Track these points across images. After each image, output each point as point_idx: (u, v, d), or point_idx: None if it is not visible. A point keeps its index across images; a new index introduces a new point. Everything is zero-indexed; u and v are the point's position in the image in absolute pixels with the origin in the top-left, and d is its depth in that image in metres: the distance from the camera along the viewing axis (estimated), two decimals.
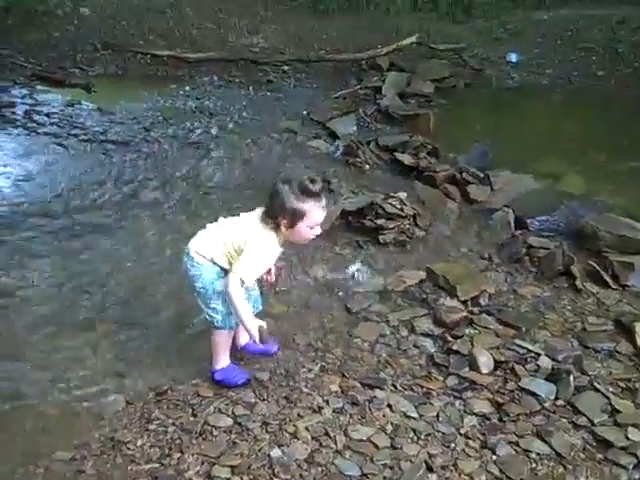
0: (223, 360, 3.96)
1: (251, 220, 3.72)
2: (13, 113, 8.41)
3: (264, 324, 3.62)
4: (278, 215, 3.60)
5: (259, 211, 3.72)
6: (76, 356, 4.16)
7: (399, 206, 5.91)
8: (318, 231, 3.73)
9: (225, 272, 3.69)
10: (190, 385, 3.92)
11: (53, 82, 9.73)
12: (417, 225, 5.91)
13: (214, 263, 3.72)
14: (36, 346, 4.24)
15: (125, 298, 4.79)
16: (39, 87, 9.52)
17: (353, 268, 5.39)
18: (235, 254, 3.64)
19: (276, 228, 3.65)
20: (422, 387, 4.00)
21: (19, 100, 8.90)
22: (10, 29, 11.16)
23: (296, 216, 3.59)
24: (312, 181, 3.59)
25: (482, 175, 6.69)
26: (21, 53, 10.51)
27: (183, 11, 13.35)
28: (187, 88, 10.08)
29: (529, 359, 4.23)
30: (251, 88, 10.29)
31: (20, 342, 4.28)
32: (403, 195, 6.08)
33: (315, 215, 3.63)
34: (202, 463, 3.36)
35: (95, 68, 10.61)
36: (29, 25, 11.50)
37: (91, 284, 4.97)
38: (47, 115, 8.44)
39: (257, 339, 3.60)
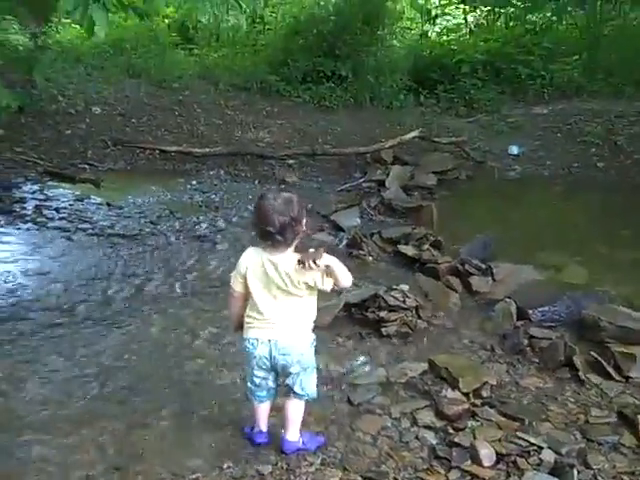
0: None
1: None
2: (23, 208, 8.57)
3: None
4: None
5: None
6: (81, 449, 4.13)
7: (401, 298, 5.97)
8: None
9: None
10: (190, 479, 3.89)
11: (63, 178, 9.91)
12: (419, 317, 5.96)
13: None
14: (35, 439, 4.22)
15: (127, 393, 4.78)
16: (50, 183, 9.70)
17: (356, 360, 5.42)
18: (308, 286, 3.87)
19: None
20: None
21: (29, 196, 9.07)
22: (23, 127, 11.43)
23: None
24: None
25: (484, 266, 6.77)
26: (33, 150, 10.73)
27: (191, 108, 13.70)
28: (194, 182, 10.28)
29: (532, 452, 4.19)
30: (257, 182, 10.50)
31: (17, 435, 4.27)
32: (405, 287, 6.16)
33: None
34: None
35: (105, 164, 10.83)
36: (42, 123, 11.80)
37: (93, 378, 4.97)
38: (56, 210, 8.60)
39: None
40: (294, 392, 4.08)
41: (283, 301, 3.91)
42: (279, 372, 4.05)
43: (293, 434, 4.14)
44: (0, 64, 8.44)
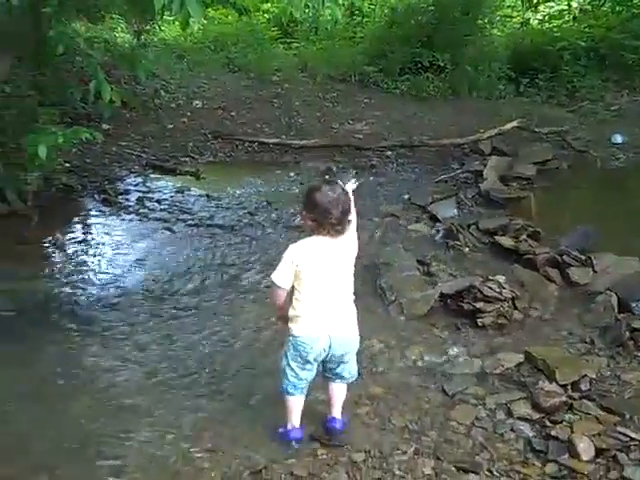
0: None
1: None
2: (127, 200, 8.82)
3: None
4: None
5: None
6: (175, 431, 4.27)
7: (498, 289, 5.90)
8: None
9: None
10: (285, 464, 3.95)
11: (165, 170, 10.18)
12: (516, 308, 5.88)
13: None
14: (136, 424, 4.37)
15: (223, 377, 4.91)
16: (152, 175, 9.96)
17: (451, 350, 5.39)
18: None
19: None
20: (519, 473, 3.93)
21: (133, 188, 9.33)
22: (128, 122, 11.78)
23: None
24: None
25: (584, 257, 6.60)
26: (137, 144, 11.05)
27: (289, 101, 13.83)
28: (292, 174, 10.38)
29: (633, 447, 4.08)
30: (355, 173, 10.48)
31: (122, 417, 4.44)
32: (502, 278, 6.07)
33: None
34: None
35: (205, 156, 11.04)
36: (145, 118, 12.13)
37: (192, 363, 5.12)
38: (158, 201, 8.82)
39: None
40: (342, 377, 4.16)
41: (339, 293, 3.98)
42: (327, 362, 4.08)
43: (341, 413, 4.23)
44: (106, 61, 8.66)
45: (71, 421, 4.38)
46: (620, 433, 4.21)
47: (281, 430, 4.19)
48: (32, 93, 7.76)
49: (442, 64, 14.96)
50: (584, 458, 4.00)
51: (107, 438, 4.20)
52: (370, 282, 6.33)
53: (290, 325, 3.99)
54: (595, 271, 6.49)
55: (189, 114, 12.73)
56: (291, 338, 3.99)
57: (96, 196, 8.87)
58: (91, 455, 4.05)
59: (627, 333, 5.44)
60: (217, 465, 3.97)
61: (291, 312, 3.99)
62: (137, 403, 4.61)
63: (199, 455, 4.05)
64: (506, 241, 7.20)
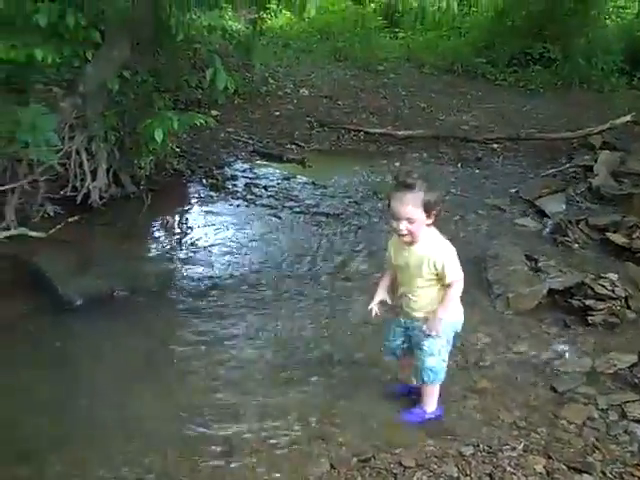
0: None
1: None
2: (235, 186, 8.96)
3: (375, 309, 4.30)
4: None
5: None
6: (284, 416, 4.34)
7: (610, 287, 5.76)
8: (401, 227, 3.90)
9: None
10: (393, 454, 3.97)
11: (272, 157, 10.29)
12: (629, 307, 5.73)
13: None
14: (248, 402, 4.48)
15: (331, 362, 4.97)
16: (259, 162, 10.09)
17: (560, 347, 5.30)
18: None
19: None
20: (634, 476, 3.85)
21: (240, 174, 9.46)
22: (236, 109, 11.97)
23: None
24: (406, 172, 3.88)
25: None
26: (244, 130, 11.20)
27: (395, 91, 13.79)
28: (397, 164, 10.34)
29: None
30: (459, 165, 10.41)
31: (231, 395, 4.56)
32: (614, 276, 5.92)
33: (392, 205, 3.90)
34: None
35: (311, 144, 11.10)
36: (253, 105, 12.30)
37: (299, 348, 5.20)
38: (265, 188, 8.93)
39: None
40: None
41: None
42: None
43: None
44: (220, 48, 8.83)
45: (182, 399, 4.53)
46: None
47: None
48: (149, 79, 7.95)
49: (553, 56, 14.67)
50: None
51: (215, 416, 4.33)
52: (476, 275, 6.27)
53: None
54: None
55: (295, 102, 12.86)
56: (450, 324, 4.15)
57: (204, 181, 9.04)
58: (197, 434, 4.18)
59: None
60: (325, 451, 4.01)
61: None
62: (245, 384, 4.72)
63: (307, 440, 4.11)
64: (618, 238, 7.01)
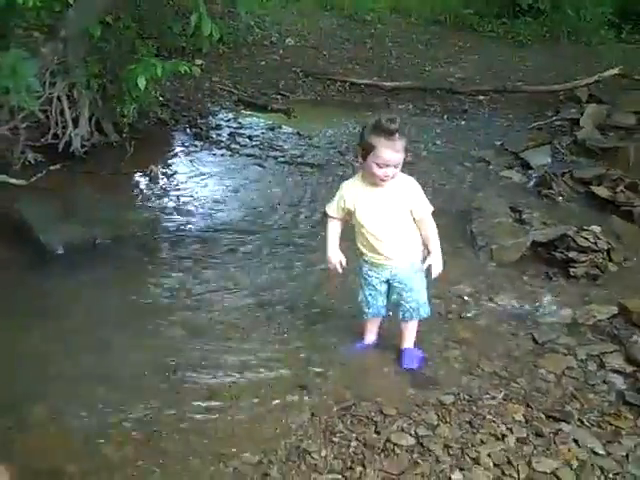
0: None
1: None
2: (219, 135, 8.90)
3: (342, 260, 4.18)
4: (359, 149, 3.97)
5: None
6: (265, 365, 4.35)
7: (593, 240, 5.77)
8: (389, 173, 3.86)
9: None
10: (374, 402, 3.98)
11: (257, 107, 10.21)
12: (611, 259, 5.75)
13: None
14: (229, 351, 4.48)
15: (315, 314, 4.96)
16: (243, 112, 10.01)
17: (542, 299, 5.33)
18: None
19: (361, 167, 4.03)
20: (611, 425, 3.88)
21: (225, 124, 9.40)
22: (221, 58, 11.84)
23: (366, 149, 3.86)
24: (389, 120, 3.77)
25: None
26: (229, 80, 11.08)
27: (382, 41, 13.66)
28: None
29: None
30: (446, 117, 10.36)
31: (215, 344, 4.56)
32: (597, 229, 5.93)
33: (382, 153, 3.79)
34: (383, 479, 3.42)
35: (296, 95, 11.00)
36: (238, 54, 12.18)
37: (281, 298, 5.21)
38: (249, 138, 8.88)
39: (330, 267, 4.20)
40: None
41: None
42: None
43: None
44: None
45: (165, 345, 4.55)
46: None
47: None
48: (132, 25, 7.82)
49: (542, 7, 14.52)
50: None
51: (196, 365, 4.34)
52: (460, 227, 6.28)
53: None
54: None
55: (281, 52, 12.74)
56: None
57: (188, 130, 8.99)
58: (179, 378, 4.20)
59: None
60: (306, 400, 4.03)
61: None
62: (226, 334, 4.73)
63: (288, 390, 4.12)
64: (602, 191, 7.01)
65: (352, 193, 4.08)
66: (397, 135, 3.78)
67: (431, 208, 4.09)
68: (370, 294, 4.30)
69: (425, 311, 4.31)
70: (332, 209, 4.20)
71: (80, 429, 3.72)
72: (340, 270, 4.22)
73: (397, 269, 4.15)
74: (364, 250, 4.17)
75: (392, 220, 4.04)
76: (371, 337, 4.52)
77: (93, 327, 4.69)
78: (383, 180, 3.91)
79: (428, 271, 4.14)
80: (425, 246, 4.14)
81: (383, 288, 4.27)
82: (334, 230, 4.25)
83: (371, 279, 4.23)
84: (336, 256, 4.20)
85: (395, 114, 4.05)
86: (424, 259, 4.13)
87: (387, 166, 3.84)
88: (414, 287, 4.20)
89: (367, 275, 4.25)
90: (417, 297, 4.22)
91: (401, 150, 3.84)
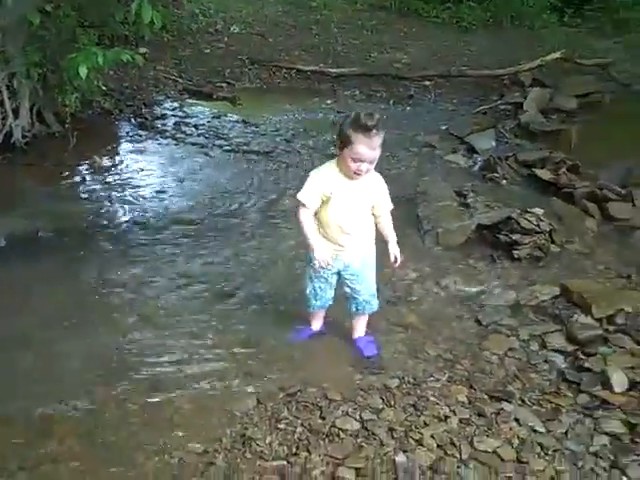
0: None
1: None
2: (164, 124, 8.84)
3: (329, 259, 3.97)
4: (337, 141, 3.91)
5: None
6: (210, 354, 4.35)
7: (535, 222, 5.85)
8: (362, 168, 3.82)
9: None
10: (320, 388, 4.01)
11: (202, 96, 10.15)
12: (553, 241, 5.84)
13: None
14: (174, 342, 4.47)
15: (259, 301, 4.96)
16: (189, 100, 9.95)
17: (486, 281, 5.39)
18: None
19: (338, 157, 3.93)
20: (551, 403, 3.97)
21: (170, 112, 9.35)
22: (165, 46, 11.72)
23: (343, 141, 3.81)
24: (368, 115, 3.72)
25: (624, 192, 6.52)
26: (174, 68, 11.00)
27: (328, 28, 13.64)
28: (329, 101, 10.30)
29: None
30: (391, 102, 10.41)
31: (160, 334, 4.55)
32: (540, 211, 6.02)
33: (358, 147, 3.75)
34: (328, 464, 3.45)
35: (242, 82, 10.95)
36: (183, 42, 12.07)
37: (227, 285, 5.19)
38: (195, 127, 8.83)
39: (317, 265, 3.98)
40: None
41: None
42: None
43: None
44: None
45: (111, 333, 4.53)
46: None
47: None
48: (72, 13, 7.69)
49: None
50: (617, 390, 4.02)
51: (142, 354, 4.33)
52: (406, 212, 6.30)
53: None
54: (635, 206, 6.40)
55: (226, 39, 12.67)
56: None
57: (133, 120, 8.92)
58: (124, 372, 4.17)
59: None
60: (252, 387, 4.03)
61: None
62: (172, 322, 4.71)
63: (234, 376, 4.13)
64: (545, 174, 7.11)
65: (330, 182, 3.94)
66: (374, 131, 3.71)
67: (392, 206, 4.17)
68: (320, 287, 4.29)
69: (376, 304, 4.37)
70: (309, 198, 3.94)
71: (22, 423, 3.68)
72: (331, 265, 4.04)
73: (352, 260, 4.15)
74: (323, 239, 4.08)
75: (360, 213, 4.05)
76: (317, 324, 4.54)
77: (36, 319, 4.63)
78: (357, 174, 3.86)
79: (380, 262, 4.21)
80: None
81: (334, 280, 4.27)
82: (310, 222, 4.01)
83: (323, 270, 4.15)
84: (326, 251, 3.99)
85: (372, 110, 3.95)
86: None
87: (362, 161, 3.80)
88: (366, 278, 4.22)
89: (320, 266, 4.10)
90: (369, 289, 4.26)
91: (377, 147, 3.79)
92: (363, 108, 9.71)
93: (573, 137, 8.42)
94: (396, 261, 4.14)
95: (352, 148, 3.76)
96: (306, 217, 3.99)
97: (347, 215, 4.00)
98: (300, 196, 3.96)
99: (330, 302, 4.41)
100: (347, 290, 4.29)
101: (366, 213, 4.09)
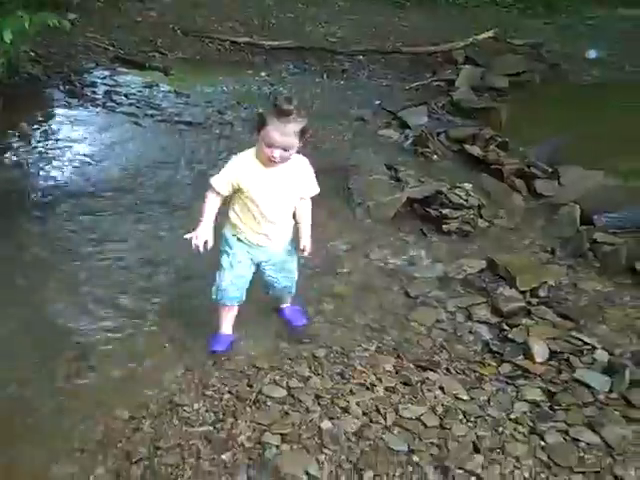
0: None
1: None
2: (94, 93, 8.67)
3: (209, 241, 3.82)
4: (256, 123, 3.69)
5: None
6: (139, 322, 4.34)
7: (464, 197, 5.95)
8: (275, 155, 3.61)
9: None
10: (248, 356, 4.03)
11: (133, 65, 9.96)
12: (481, 216, 5.95)
13: None
14: (100, 311, 4.44)
15: (188, 273, 4.89)
16: (120, 69, 9.75)
17: (416, 254, 5.46)
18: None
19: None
20: (475, 372, 4.07)
21: (100, 81, 9.15)
22: (96, 13, 11.48)
23: (259, 123, 3.61)
24: (286, 99, 3.56)
25: (551, 170, 6.66)
26: (104, 36, 10.76)
27: (263, 0, 13.52)
28: (262, 74, 10.22)
29: (585, 352, 4.22)
30: (325, 76, 10.38)
31: (84, 302, 4.50)
32: (469, 186, 6.11)
33: (270, 132, 3.55)
34: (254, 430, 3.48)
35: (174, 53, 10.76)
36: (114, 10, 11.82)
37: (156, 258, 5.14)
38: (126, 96, 8.68)
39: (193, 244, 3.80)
40: None
41: None
42: None
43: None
44: None
45: (37, 304, 4.45)
46: (574, 338, 4.34)
47: None
48: None
49: None
50: (538, 360, 4.14)
51: (71, 321, 4.32)
52: (337, 185, 6.32)
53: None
54: (561, 183, 6.54)
55: (159, 8, 12.42)
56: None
57: (62, 87, 8.72)
58: (54, 339, 4.13)
59: (587, 244, 5.53)
60: (180, 355, 4.05)
61: None
62: (99, 290, 4.66)
63: (162, 345, 4.14)
64: (474, 150, 7.21)
65: (246, 171, 3.74)
66: (291, 117, 3.51)
67: (318, 189, 3.99)
68: (234, 280, 4.02)
69: (294, 289, 4.31)
70: (220, 184, 3.79)
71: None
72: (202, 250, 3.82)
73: (274, 251, 3.99)
74: (243, 229, 3.88)
75: (284, 202, 3.88)
76: (228, 327, 4.21)
77: None
78: (270, 161, 3.66)
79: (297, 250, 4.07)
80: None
81: (251, 271, 4.06)
82: (213, 206, 3.85)
83: (240, 263, 3.97)
84: (205, 235, 3.82)
85: (290, 94, 3.84)
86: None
87: (275, 147, 3.60)
88: (288, 268, 4.14)
89: (237, 257, 3.96)
90: (291, 277, 4.21)
91: (292, 134, 3.57)
92: (297, 82, 9.79)
93: (503, 115, 8.54)
94: (304, 251, 3.99)
95: (266, 131, 3.56)
96: (211, 199, 3.85)
97: (271, 204, 3.82)
98: (212, 180, 3.81)
99: (244, 298, 4.14)
100: (268, 279, 4.15)
101: (290, 201, 3.92)
